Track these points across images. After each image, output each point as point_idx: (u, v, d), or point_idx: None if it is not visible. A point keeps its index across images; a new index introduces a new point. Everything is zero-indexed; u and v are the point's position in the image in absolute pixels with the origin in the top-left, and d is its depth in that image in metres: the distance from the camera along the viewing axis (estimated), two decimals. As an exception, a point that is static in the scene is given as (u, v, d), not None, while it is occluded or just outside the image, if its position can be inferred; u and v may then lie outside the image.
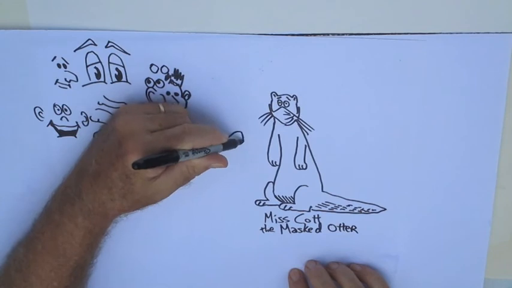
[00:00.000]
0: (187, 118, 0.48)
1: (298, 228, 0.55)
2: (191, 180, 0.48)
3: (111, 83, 0.50)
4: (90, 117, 0.52)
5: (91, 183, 0.45)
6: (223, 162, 0.47)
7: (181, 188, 0.47)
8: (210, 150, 0.46)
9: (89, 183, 0.45)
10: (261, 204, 0.54)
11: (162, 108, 0.47)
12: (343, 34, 0.47)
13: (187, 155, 0.44)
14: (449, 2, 0.46)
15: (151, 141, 0.43)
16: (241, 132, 0.51)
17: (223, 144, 0.47)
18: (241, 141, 0.51)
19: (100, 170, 0.44)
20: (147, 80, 0.50)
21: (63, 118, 0.52)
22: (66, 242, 0.47)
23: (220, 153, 0.48)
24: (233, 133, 0.51)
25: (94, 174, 0.45)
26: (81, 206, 0.46)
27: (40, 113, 0.52)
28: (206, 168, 0.47)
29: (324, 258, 0.55)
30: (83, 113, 0.52)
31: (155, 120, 0.45)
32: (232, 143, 0.50)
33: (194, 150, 0.44)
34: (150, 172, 0.43)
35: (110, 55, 0.49)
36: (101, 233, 0.49)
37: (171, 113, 0.47)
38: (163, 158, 0.42)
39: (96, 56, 0.49)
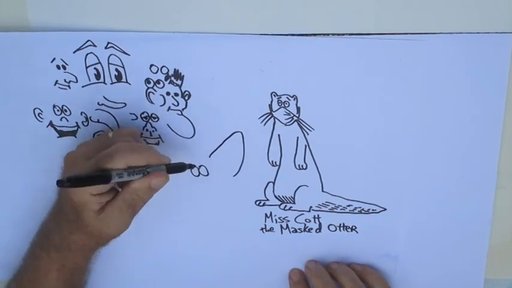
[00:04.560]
0: (129, 138, 0.46)
1: (298, 228, 0.55)
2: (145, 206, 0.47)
3: (111, 83, 0.50)
4: (90, 117, 0.52)
5: (54, 216, 0.48)
6: (163, 177, 0.44)
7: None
8: (148, 172, 0.44)
9: (54, 217, 0.48)
10: (261, 204, 0.54)
11: (110, 134, 0.47)
12: (343, 34, 0.47)
13: (121, 176, 0.41)
14: (449, 2, 0.46)
15: (87, 166, 0.43)
16: (241, 132, 0.51)
17: (167, 166, 0.45)
18: (192, 165, 0.50)
19: (59, 204, 0.47)
20: (147, 81, 0.50)
21: (63, 119, 0.52)
22: (44, 277, 0.48)
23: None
24: (233, 133, 0.51)
25: (56, 208, 0.48)
26: (52, 239, 0.48)
27: (40, 114, 0.52)
28: (148, 189, 0.44)
29: (324, 258, 0.55)
30: (83, 114, 0.52)
31: (91, 147, 0.45)
32: (180, 166, 0.48)
33: (130, 172, 0.42)
34: (92, 203, 0.43)
35: (109, 56, 0.49)
36: (75, 268, 0.49)
37: (116, 136, 0.47)
38: (93, 177, 0.41)
39: (95, 57, 0.49)
